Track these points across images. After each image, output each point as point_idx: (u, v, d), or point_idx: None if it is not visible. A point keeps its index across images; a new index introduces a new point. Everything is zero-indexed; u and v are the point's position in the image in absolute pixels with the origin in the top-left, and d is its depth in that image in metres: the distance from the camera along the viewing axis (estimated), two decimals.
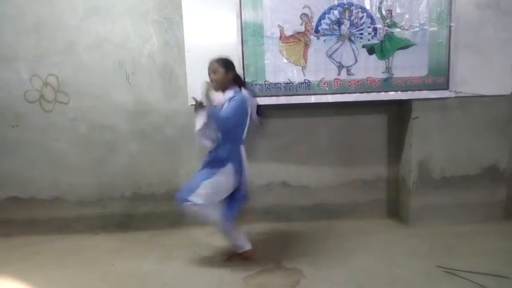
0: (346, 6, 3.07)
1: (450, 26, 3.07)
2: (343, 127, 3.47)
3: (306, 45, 3.11)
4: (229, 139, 2.54)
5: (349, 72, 3.13)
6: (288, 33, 3.09)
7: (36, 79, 3.37)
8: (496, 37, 3.17)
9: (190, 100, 3.13)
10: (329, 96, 3.15)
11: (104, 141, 3.45)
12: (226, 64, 2.56)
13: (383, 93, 3.16)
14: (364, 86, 3.14)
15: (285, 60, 3.12)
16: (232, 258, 2.76)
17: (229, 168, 2.52)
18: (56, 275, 2.67)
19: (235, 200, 2.62)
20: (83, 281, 2.59)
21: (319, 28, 3.09)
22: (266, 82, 3.13)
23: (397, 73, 3.13)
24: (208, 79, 2.55)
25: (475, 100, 3.24)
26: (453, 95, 3.16)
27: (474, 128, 3.31)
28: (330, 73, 3.13)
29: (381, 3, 3.06)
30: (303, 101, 3.16)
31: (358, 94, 3.15)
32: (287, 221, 3.53)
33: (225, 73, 2.55)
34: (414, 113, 3.27)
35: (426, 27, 3.07)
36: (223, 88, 2.57)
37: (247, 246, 2.72)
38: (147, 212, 3.48)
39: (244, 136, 2.60)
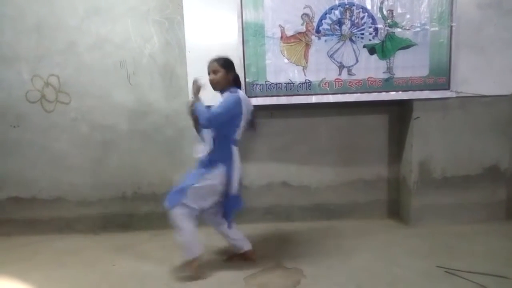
0: (347, 6, 3.07)
1: (451, 26, 3.07)
2: (344, 127, 3.47)
3: (307, 45, 3.11)
4: (221, 138, 2.48)
5: (350, 72, 3.13)
6: (289, 33, 3.09)
7: (37, 79, 3.37)
8: (497, 37, 3.17)
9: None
10: (330, 96, 3.15)
11: (105, 141, 3.45)
12: (226, 64, 2.52)
13: (384, 93, 3.15)
14: (365, 86, 3.14)
15: (286, 60, 3.12)
16: (232, 258, 2.77)
17: (219, 169, 2.47)
18: (57, 275, 2.68)
19: (227, 206, 2.60)
20: (84, 281, 2.60)
21: (320, 28, 3.09)
22: (267, 82, 3.13)
23: (398, 73, 3.13)
24: (199, 78, 2.50)
25: (476, 100, 3.23)
26: (454, 95, 3.16)
27: (475, 128, 3.31)
28: (331, 73, 3.13)
29: (382, 3, 3.06)
30: (304, 101, 3.16)
31: (359, 94, 3.15)
32: (288, 221, 3.54)
33: (226, 74, 2.51)
34: (415, 113, 3.26)
35: (427, 27, 3.07)
36: (221, 88, 2.54)
37: (247, 247, 2.72)
38: (148, 212, 3.48)
39: (237, 136, 2.54)
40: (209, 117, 2.36)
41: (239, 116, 2.49)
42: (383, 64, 3.12)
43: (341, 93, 3.15)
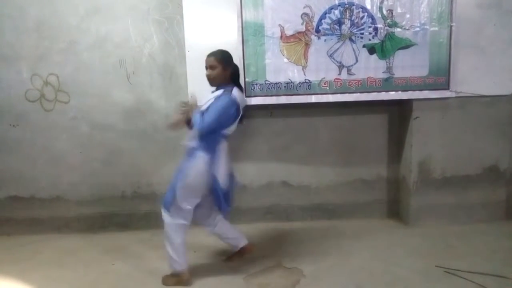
0: (347, 5, 3.07)
1: (451, 26, 3.07)
2: (344, 127, 3.47)
3: (307, 44, 3.10)
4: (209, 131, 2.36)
5: (349, 72, 3.13)
6: (288, 32, 3.08)
7: (36, 78, 3.37)
8: (497, 37, 3.17)
9: (191, 100, 3.14)
10: (330, 96, 3.15)
11: (104, 140, 3.45)
12: (224, 60, 2.44)
13: (383, 93, 3.15)
14: (365, 86, 3.14)
15: (285, 60, 3.11)
16: (232, 257, 2.76)
17: (201, 158, 2.33)
18: (56, 275, 2.68)
19: (218, 201, 2.46)
20: (83, 280, 2.60)
21: (320, 27, 3.09)
22: (266, 82, 3.13)
23: (398, 73, 3.12)
24: (194, 95, 2.42)
25: (476, 100, 3.23)
26: (453, 95, 3.16)
27: (474, 128, 3.31)
28: (330, 73, 3.13)
29: (382, 2, 3.05)
30: (303, 101, 3.16)
31: (358, 94, 3.15)
32: (287, 220, 3.54)
33: (223, 70, 2.42)
34: (415, 113, 3.26)
35: (427, 27, 3.07)
36: (217, 85, 2.46)
37: (243, 242, 2.70)
38: (147, 212, 3.48)
39: (227, 132, 2.44)
40: (202, 128, 2.27)
41: (232, 116, 2.40)
42: (382, 64, 3.12)
43: (340, 93, 3.15)
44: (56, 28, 3.30)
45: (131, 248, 3.11)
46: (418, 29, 3.07)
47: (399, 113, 3.46)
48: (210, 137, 2.36)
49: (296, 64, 3.12)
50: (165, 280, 2.51)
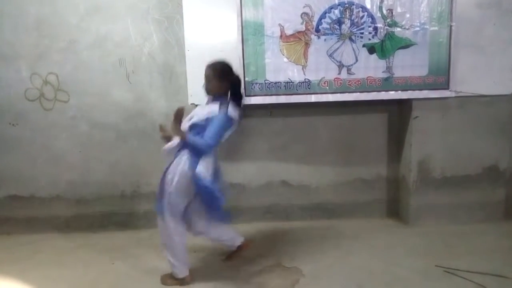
0: (347, 5, 3.06)
1: (451, 26, 3.07)
2: (343, 126, 3.47)
3: (307, 44, 3.10)
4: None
5: (349, 72, 3.13)
6: (288, 32, 3.08)
7: (36, 78, 3.37)
8: (497, 36, 3.17)
9: (190, 99, 3.14)
10: (330, 95, 3.15)
11: (104, 139, 3.45)
12: (220, 72, 2.39)
13: (383, 92, 3.15)
14: (365, 85, 3.14)
15: (285, 59, 3.11)
16: (231, 257, 2.75)
17: (184, 156, 2.31)
18: (56, 274, 2.67)
19: (205, 201, 2.38)
20: (83, 280, 2.60)
21: (320, 27, 3.09)
22: (266, 81, 3.13)
23: (398, 73, 3.12)
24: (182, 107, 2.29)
25: (476, 99, 3.23)
26: (453, 94, 3.16)
27: (474, 128, 3.31)
28: (330, 73, 3.13)
29: (381, 2, 3.05)
30: (303, 101, 3.15)
31: (358, 93, 3.15)
32: (287, 220, 3.54)
33: (218, 83, 2.38)
34: (414, 112, 3.26)
35: (426, 26, 3.07)
36: (213, 95, 2.42)
37: (239, 241, 2.68)
38: (147, 211, 3.47)
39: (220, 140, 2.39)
40: (209, 144, 2.24)
41: (228, 128, 2.39)
42: (382, 63, 3.12)
43: (340, 92, 3.15)
44: (56, 27, 3.30)
45: (131, 247, 3.11)
46: (418, 28, 3.07)
47: (398, 113, 3.46)
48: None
49: (296, 64, 3.12)
50: (164, 279, 2.51)
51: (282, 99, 3.15)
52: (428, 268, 2.56)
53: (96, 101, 3.40)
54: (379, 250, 2.88)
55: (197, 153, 2.31)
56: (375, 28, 3.08)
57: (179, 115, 2.26)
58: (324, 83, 3.14)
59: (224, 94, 2.45)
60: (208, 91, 2.43)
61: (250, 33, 3.06)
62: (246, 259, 2.73)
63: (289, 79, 3.13)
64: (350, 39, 3.10)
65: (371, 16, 3.08)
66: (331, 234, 3.22)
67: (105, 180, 3.49)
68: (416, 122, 3.27)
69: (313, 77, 3.13)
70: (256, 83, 3.12)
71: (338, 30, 3.09)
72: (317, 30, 3.09)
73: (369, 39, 3.10)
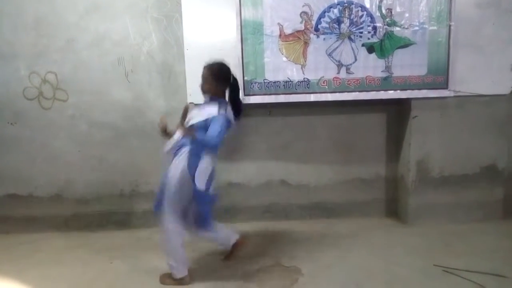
0: (346, 4, 3.06)
1: (450, 25, 3.07)
2: (342, 125, 3.47)
3: (306, 43, 3.10)
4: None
5: (348, 71, 3.13)
6: (287, 31, 3.08)
7: (34, 76, 3.36)
8: (496, 36, 3.17)
9: (189, 98, 3.14)
10: (329, 94, 3.15)
11: (103, 138, 3.44)
12: (217, 74, 2.40)
13: (382, 92, 3.15)
14: (364, 85, 3.14)
15: (284, 59, 3.11)
16: (230, 256, 2.74)
17: (182, 155, 2.34)
18: (55, 273, 2.67)
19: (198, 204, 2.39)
20: (82, 279, 2.59)
21: (319, 26, 3.09)
22: (265, 81, 3.13)
23: (397, 72, 3.13)
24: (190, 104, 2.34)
25: (474, 99, 3.24)
26: (452, 94, 3.16)
27: (473, 128, 3.31)
28: (329, 72, 3.13)
29: (381, 1, 3.05)
30: (302, 100, 3.15)
31: (357, 92, 3.15)
32: (286, 219, 3.54)
33: (215, 84, 2.40)
34: (413, 112, 3.27)
35: (425, 26, 3.07)
36: (210, 96, 2.43)
37: (234, 238, 2.66)
38: (146, 210, 3.47)
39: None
40: (216, 141, 2.25)
41: (227, 130, 2.39)
42: (381, 63, 3.12)
43: (339, 92, 3.15)
44: (54, 26, 3.29)
45: (130, 246, 3.11)
46: (417, 28, 3.08)
47: (397, 112, 3.46)
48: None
49: (295, 63, 3.12)
50: (163, 279, 2.51)
51: (281, 99, 3.15)
52: (427, 267, 2.57)
53: (95, 100, 3.39)
54: (378, 249, 2.89)
55: (200, 152, 2.32)
56: (374, 28, 3.09)
57: (186, 113, 2.27)
58: (323, 83, 3.14)
59: (221, 96, 2.45)
60: (204, 91, 2.44)
61: (249, 32, 3.06)
62: (245, 259, 2.73)
63: (288, 78, 3.13)
64: (349, 38, 3.10)
65: (370, 15, 3.08)
66: (330, 233, 3.23)
67: (104, 179, 3.49)
68: (415, 122, 3.28)
69: (312, 76, 3.13)
70: (255, 82, 3.12)
71: (337, 30, 3.09)
72: (316, 29, 3.09)
73: (368, 39, 3.10)
